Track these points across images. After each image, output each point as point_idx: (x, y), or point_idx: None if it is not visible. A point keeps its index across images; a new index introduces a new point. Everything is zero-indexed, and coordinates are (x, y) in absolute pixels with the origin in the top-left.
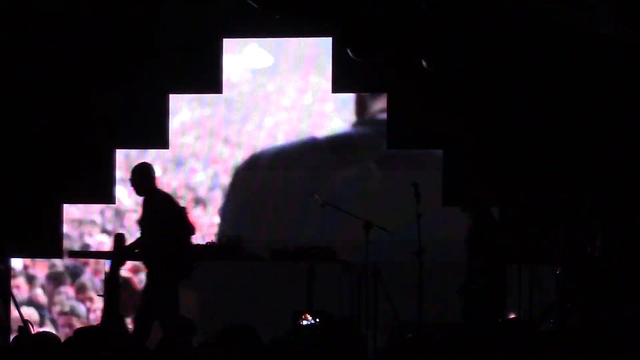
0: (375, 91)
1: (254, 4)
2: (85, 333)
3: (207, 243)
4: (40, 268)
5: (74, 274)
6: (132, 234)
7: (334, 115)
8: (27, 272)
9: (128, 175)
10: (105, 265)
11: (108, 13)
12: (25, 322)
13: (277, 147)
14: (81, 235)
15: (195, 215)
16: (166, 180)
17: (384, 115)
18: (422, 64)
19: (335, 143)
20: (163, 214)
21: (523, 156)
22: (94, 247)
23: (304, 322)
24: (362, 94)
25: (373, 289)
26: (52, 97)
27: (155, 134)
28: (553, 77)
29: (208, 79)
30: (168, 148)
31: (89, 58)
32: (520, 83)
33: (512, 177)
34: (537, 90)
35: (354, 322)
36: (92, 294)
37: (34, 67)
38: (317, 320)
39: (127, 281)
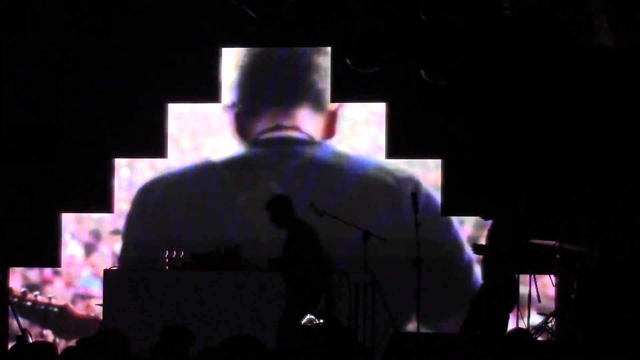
0: (374, 101)
1: (253, 14)
2: (86, 343)
3: (206, 253)
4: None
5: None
6: None
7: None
8: None
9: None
10: None
11: (105, 22)
12: (24, 331)
13: None
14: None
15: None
16: None
17: (268, 135)
18: (421, 74)
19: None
20: (307, 247)
21: (522, 167)
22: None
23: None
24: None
25: (371, 299)
26: (50, 105)
27: (154, 143)
28: (553, 88)
29: (207, 88)
30: (167, 157)
31: (87, 66)
32: (520, 94)
33: (511, 188)
34: (537, 102)
35: (354, 332)
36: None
37: (32, 73)
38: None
39: None
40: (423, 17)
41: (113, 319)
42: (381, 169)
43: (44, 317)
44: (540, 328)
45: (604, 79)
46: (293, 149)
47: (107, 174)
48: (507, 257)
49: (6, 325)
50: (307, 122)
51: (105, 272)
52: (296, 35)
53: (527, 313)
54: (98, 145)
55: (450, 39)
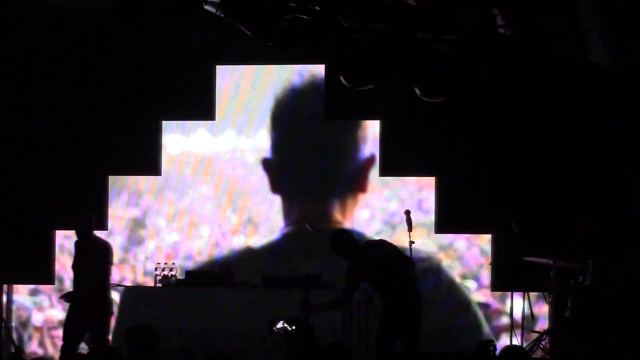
0: (369, 118)
1: (247, 32)
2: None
3: (199, 270)
4: None
5: None
6: None
7: None
8: None
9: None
10: None
11: (101, 41)
12: (18, 349)
13: None
14: None
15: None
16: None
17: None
18: (414, 91)
19: None
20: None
21: (516, 185)
22: None
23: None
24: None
25: (364, 317)
26: (45, 124)
27: (149, 161)
28: (547, 106)
29: (201, 106)
30: (161, 175)
31: (82, 86)
32: (514, 111)
33: (506, 206)
34: (531, 120)
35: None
36: None
37: (27, 95)
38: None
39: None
40: (417, 35)
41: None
42: None
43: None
44: (533, 346)
45: (598, 97)
46: None
47: (102, 191)
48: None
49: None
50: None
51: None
52: (290, 53)
53: (520, 331)
54: (93, 162)
55: (444, 57)
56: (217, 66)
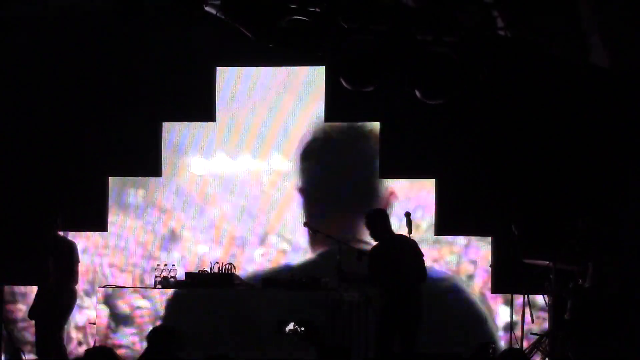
0: (368, 120)
1: (247, 33)
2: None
3: (199, 271)
4: None
5: None
6: None
7: None
8: None
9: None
10: None
11: (101, 41)
12: (17, 350)
13: None
14: None
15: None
16: None
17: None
18: (414, 93)
19: None
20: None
21: (516, 187)
22: None
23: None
24: None
25: (364, 318)
26: (44, 127)
27: (149, 162)
28: (547, 107)
29: (202, 108)
30: (161, 176)
31: (82, 88)
32: (514, 113)
33: (505, 208)
34: (531, 121)
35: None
36: None
37: (27, 95)
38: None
39: None
40: (417, 36)
41: (106, 337)
42: None
43: None
44: (533, 348)
45: (597, 99)
46: None
47: (102, 192)
48: None
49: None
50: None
51: (98, 290)
52: (290, 55)
53: (520, 333)
54: (93, 163)
55: (444, 59)
56: (217, 67)
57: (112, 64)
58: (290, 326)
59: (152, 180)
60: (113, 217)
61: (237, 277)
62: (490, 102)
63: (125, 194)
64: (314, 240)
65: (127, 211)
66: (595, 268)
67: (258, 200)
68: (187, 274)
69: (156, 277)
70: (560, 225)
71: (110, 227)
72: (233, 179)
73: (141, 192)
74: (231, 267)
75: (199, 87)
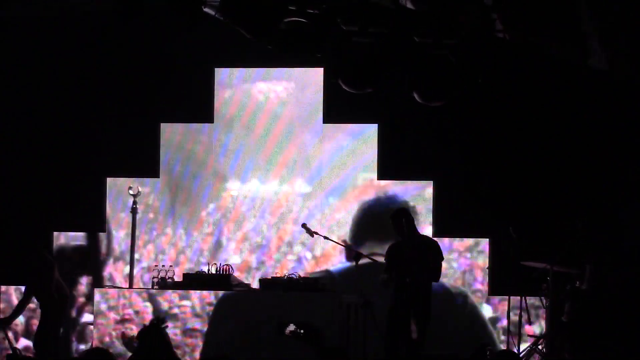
0: (367, 122)
1: (246, 34)
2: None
3: (196, 272)
4: None
5: None
6: None
7: None
8: None
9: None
10: None
11: (100, 41)
12: (14, 350)
13: None
14: None
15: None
16: None
17: None
18: (413, 95)
19: None
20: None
21: (514, 188)
22: None
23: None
24: None
25: (363, 320)
26: (44, 126)
27: (147, 163)
28: (545, 110)
29: (200, 109)
30: (159, 177)
31: (81, 87)
32: (512, 115)
33: (503, 210)
34: (529, 123)
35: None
36: None
37: (26, 95)
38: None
39: None
40: (416, 39)
41: (102, 338)
42: None
43: None
44: (530, 350)
45: (597, 101)
46: None
47: (100, 193)
48: None
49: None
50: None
51: (96, 291)
52: (289, 56)
53: (518, 335)
54: (91, 164)
55: (443, 61)
56: (216, 69)
57: (111, 64)
58: (291, 328)
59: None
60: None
61: (235, 278)
62: (489, 104)
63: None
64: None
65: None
66: (593, 270)
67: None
68: (185, 275)
69: (153, 277)
70: (558, 228)
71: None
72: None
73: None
74: (229, 269)
75: (198, 88)
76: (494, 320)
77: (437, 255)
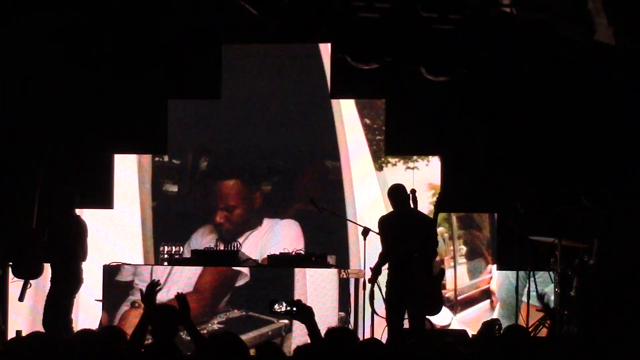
0: (374, 97)
1: (253, 10)
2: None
3: (205, 249)
4: None
5: None
6: None
7: None
8: None
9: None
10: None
11: (107, 19)
12: (18, 333)
13: None
14: None
15: None
16: None
17: None
18: (420, 70)
19: None
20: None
21: (521, 164)
22: None
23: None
24: None
25: (369, 295)
26: (50, 102)
27: (154, 140)
28: (552, 85)
29: (207, 85)
30: (167, 154)
31: (88, 65)
32: (519, 90)
33: (510, 185)
34: (536, 99)
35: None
36: None
37: (31, 72)
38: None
39: None
40: (422, 13)
41: (112, 314)
42: None
43: None
44: (538, 325)
45: (603, 77)
46: None
47: (107, 169)
48: None
49: (5, 320)
50: None
51: (105, 267)
52: (296, 32)
53: (526, 310)
54: (99, 140)
55: (449, 35)
56: (223, 45)
57: (118, 40)
58: (282, 305)
59: None
60: None
61: (243, 254)
62: (495, 79)
63: None
64: None
65: None
66: (600, 245)
67: None
68: (193, 251)
69: (162, 254)
70: (565, 203)
71: None
72: None
73: None
74: (237, 245)
75: (206, 65)
76: None
77: (431, 231)
